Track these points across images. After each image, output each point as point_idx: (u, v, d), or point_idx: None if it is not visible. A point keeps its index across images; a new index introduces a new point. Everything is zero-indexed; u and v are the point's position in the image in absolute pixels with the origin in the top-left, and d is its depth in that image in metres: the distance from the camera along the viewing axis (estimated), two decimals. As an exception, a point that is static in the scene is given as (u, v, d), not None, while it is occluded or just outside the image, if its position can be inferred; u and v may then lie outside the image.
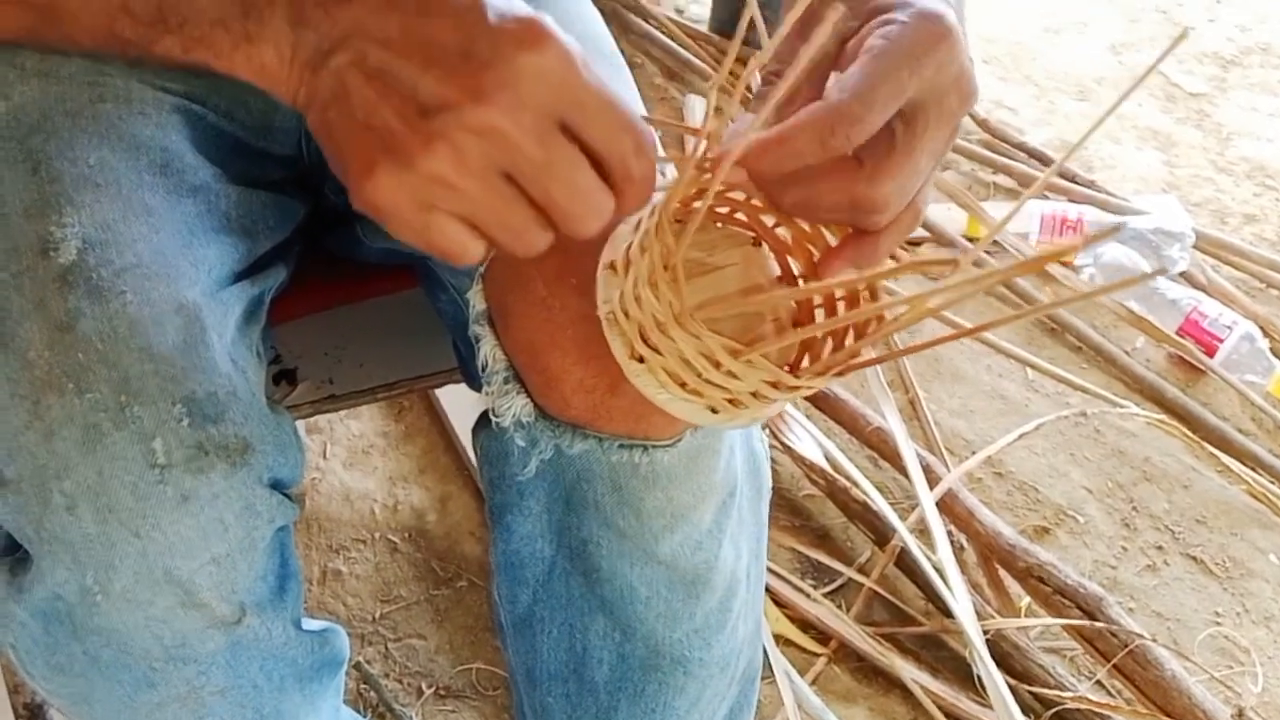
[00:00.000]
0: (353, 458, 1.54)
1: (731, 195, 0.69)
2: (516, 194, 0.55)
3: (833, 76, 0.61)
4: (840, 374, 0.62)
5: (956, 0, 0.63)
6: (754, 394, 0.63)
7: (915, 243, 2.01)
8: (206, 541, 0.68)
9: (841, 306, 0.67)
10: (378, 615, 1.38)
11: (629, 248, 0.64)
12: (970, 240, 2.00)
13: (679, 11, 2.62)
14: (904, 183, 0.59)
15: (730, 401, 0.64)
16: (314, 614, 1.33)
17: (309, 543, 1.43)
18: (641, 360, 0.64)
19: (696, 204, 0.62)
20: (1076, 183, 2.15)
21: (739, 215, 0.71)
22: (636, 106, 0.89)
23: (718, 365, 0.60)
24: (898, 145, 0.59)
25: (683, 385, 0.64)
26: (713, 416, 0.65)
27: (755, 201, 0.69)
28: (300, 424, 1.50)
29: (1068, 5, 2.85)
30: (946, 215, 2.03)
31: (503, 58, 0.53)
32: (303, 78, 0.57)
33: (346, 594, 1.39)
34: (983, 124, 2.31)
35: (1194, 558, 1.57)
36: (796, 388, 0.62)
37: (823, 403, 1.61)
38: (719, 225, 0.71)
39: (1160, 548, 1.58)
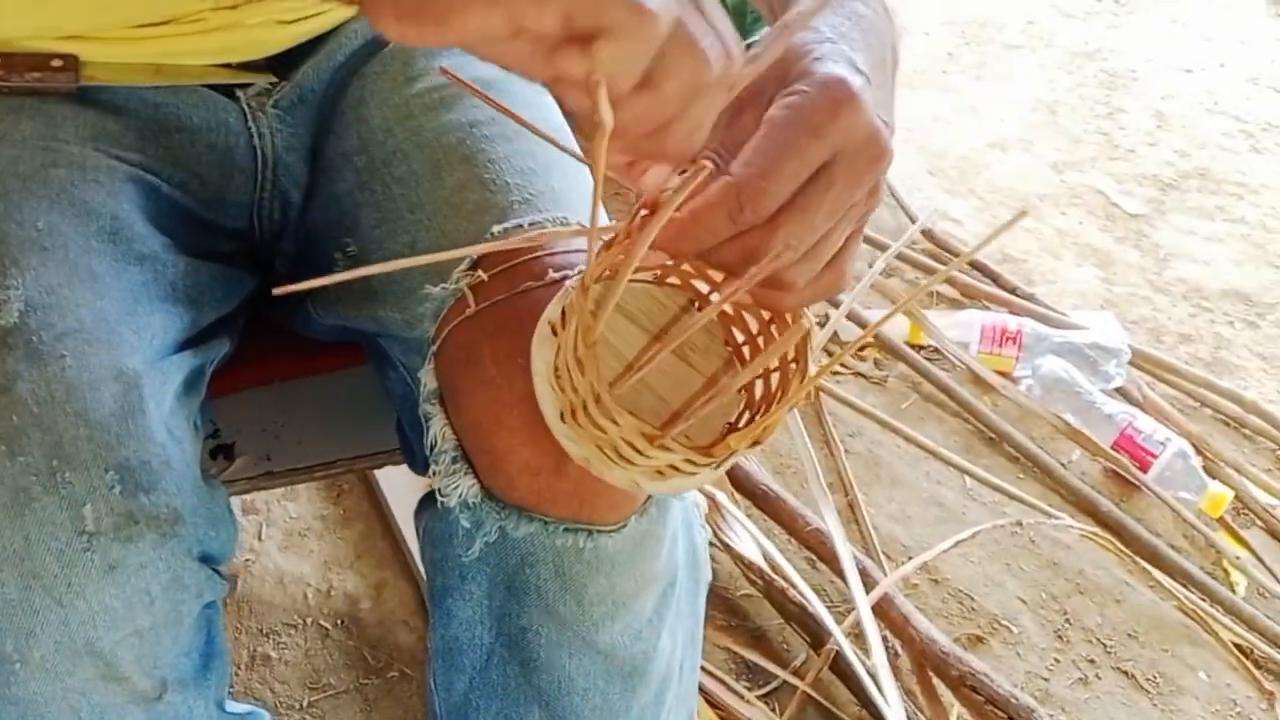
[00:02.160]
0: (288, 540, 1.52)
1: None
2: None
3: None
4: (758, 441, 0.63)
5: (877, 64, 0.64)
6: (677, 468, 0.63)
7: (860, 348, 2.04)
8: (131, 613, 0.67)
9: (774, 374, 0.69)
10: (305, 703, 1.35)
11: (560, 361, 0.65)
12: (913, 347, 2.03)
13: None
14: (795, 233, 0.59)
15: (659, 471, 0.64)
16: (240, 699, 1.30)
17: (239, 625, 1.41)
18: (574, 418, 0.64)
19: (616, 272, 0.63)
20: (1017, 295, 2.20)
21: (672, 279, 0.72)
22: (587, 186, 0.90)
23: (642, 445, 0.61)
24: (794, 199, 0.59)
25: (617, 453, 0.64)
26: (647, 482, 0.66)
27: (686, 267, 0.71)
28: (236, 503, 1.49)
29: (1014, 124, 2.93)
30: (890, 321, 2.06)
31: None
32: None
33: (274, 680, 1.36)
34: (927, 234, 2.35)
35: (1125, 672, 1.58)
36: (726, 456, 0.63)
37: (763, 502, 1.61)
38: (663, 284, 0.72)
39: (1092, 661, 1.58)
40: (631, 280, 0.70)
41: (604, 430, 0.61)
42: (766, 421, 0.63)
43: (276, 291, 0.59)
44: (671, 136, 0.55)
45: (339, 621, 1.44)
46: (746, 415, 0.70)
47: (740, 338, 0.72)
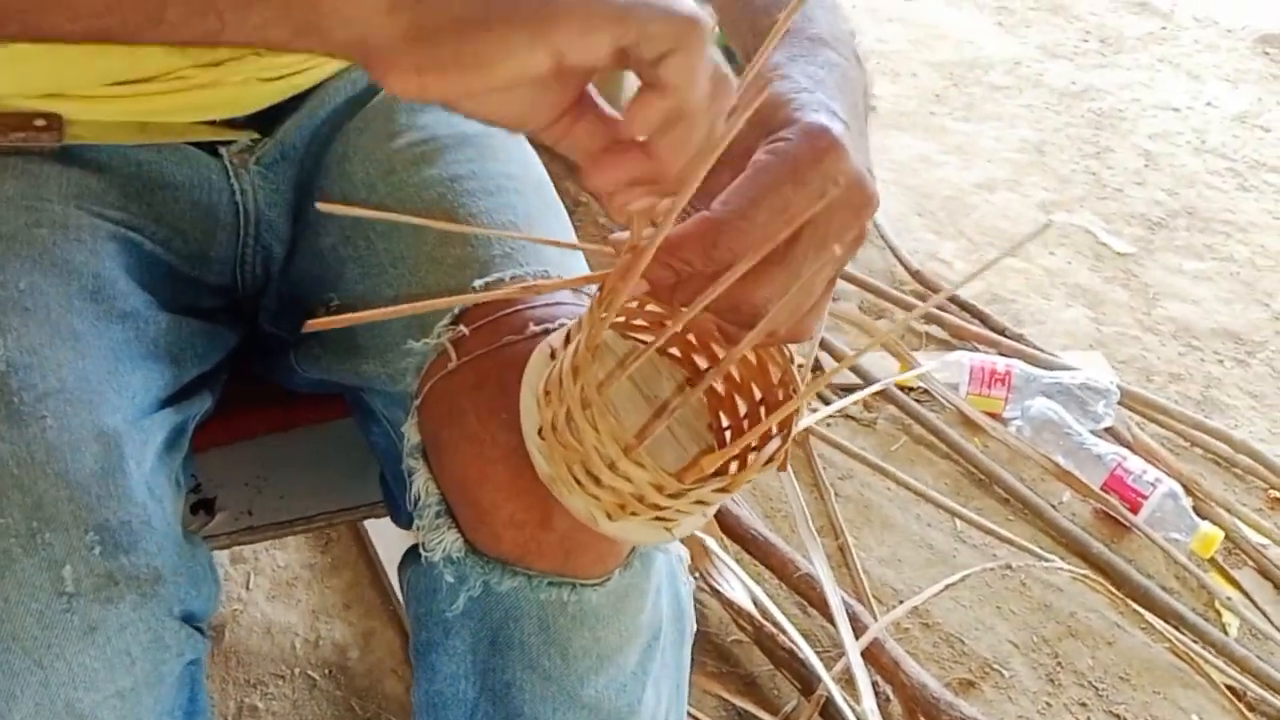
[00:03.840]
0: (276, 589, 1.51)
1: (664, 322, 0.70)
2: None
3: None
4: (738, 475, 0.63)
5: (853, 111, 0.64)
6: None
7: (848, 389, 2.04)
8: (111, 674, 0.67)
9: (763, 412, 0.69)
10: (292, 754, 1.34)
11: (554, 374, 0.65)
12: (904, 390, 2.03)
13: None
14: (782, 286, 0.60)
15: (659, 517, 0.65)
16: (226, 751, 1.29)
17: (225, 676, 1.40)
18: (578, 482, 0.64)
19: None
20: (1006, 336, 2.20)
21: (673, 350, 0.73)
22: (569, 237, 0.90)
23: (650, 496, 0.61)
24: (780, 252, 0.59)
25: (621, 508, 0.64)
26: (651, 532, 0.66)
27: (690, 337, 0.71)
28: (224, 553, 1.49)
29: (1001, 164, 2.95)
30: (880, 363, 2.07)
31: None
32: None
33: (261, 731, 1.36)
34: (916, 275, 2.36)
35: (1118, 716, 1.57)
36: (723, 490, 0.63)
37: (752, 547, 1.61)
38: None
39: (1084, 704, 1.58)
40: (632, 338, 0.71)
41: (605, 482, 0.61)
42: (744, 474, 0.63)
43: (309, 325, 0.58)
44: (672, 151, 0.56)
45: (327, 671, 1.43)
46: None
47: (725, 421, 0.73)
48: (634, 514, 0.63)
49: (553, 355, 0.67)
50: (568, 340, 0.65)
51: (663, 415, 0.69)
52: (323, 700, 1.40)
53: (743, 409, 0.72)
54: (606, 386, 0.63)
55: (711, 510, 0.68)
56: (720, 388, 0.72)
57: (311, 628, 1.48)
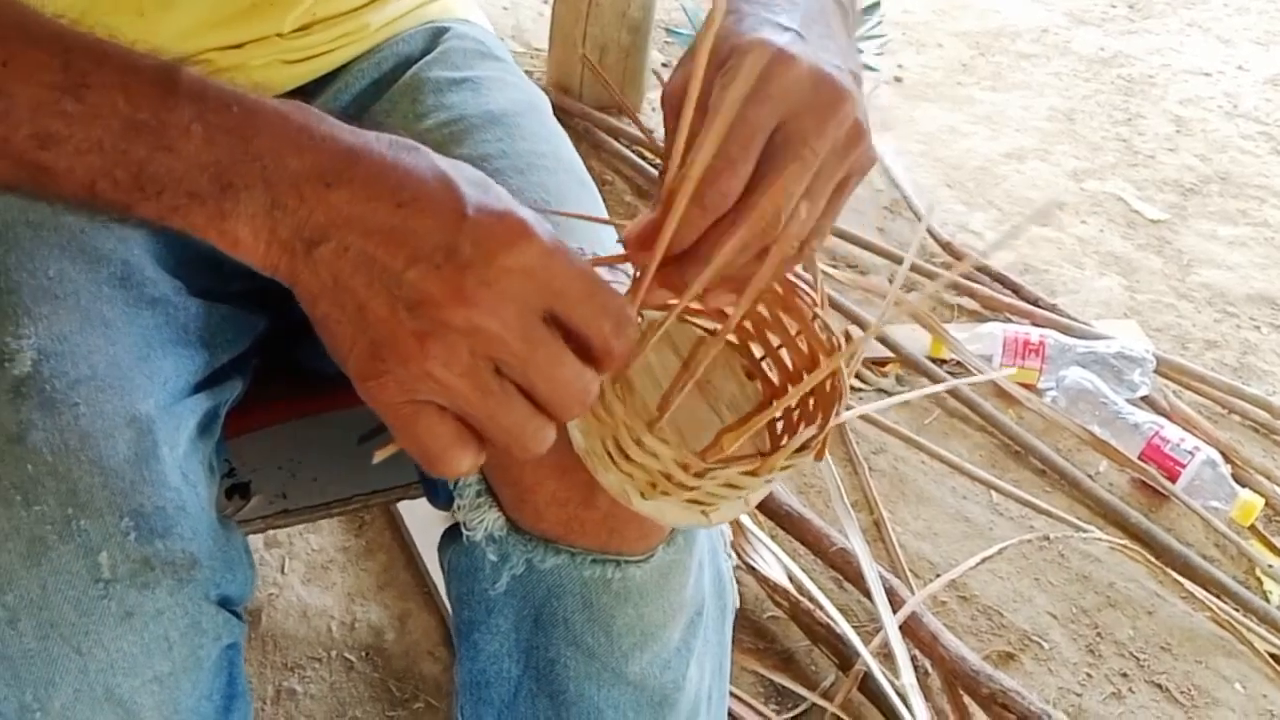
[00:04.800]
0: (311, 573, 1.51)
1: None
2: (510, 389, 0.55)
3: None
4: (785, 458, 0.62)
5: (810, 17, 0.63)
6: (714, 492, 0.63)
7: (881, 362, 2.03)
8: (150, 659, 0.67)
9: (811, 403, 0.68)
10: (331, 736, 1.35)
11: None
12: (935, 361, 2.02)
13: (649, 132, 2.66)
14: (772, 202, 0.58)
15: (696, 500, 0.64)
16: (265, 735, 1.30)
17: (263, 660, 1.40)
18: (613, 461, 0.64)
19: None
20: (1039, 306, 2.18)
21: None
22: (600, 214, 0.90)
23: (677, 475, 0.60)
24: (774, 164, 0.58)
25: (652, 486, 0.64)
26: (685, 513, 0.65)
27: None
28: (259, 538, 1.49)
29: (1031, 133, 2.92)
30: (911, 336, 2.05)
31: (484, 257, 0.52)
32: (280, 258, 0.55)
33: (300, 714, 1.36)
34: (946, 246, 2.34)
35: (1159, 685, 1.56)
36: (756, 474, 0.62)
37: (787, 523, 1.60)
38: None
39: (1125, 675, 1.57)
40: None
41: (639, 461, 0.61)
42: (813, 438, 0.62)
43: None
44: None
45: (364, 654, 1.43)
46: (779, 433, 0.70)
47: (759, 352, 0.72)
48: (665, 493, 0.63)
49: None
50: None
51: (686, 376, 0.67)
52: (360, 683, 1.40)
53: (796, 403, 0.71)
54: (634, 358, 0.62)
55: (754, 497, 0.67)
56: (775, 378, 0.71)
57: (347, 610, 1.48)
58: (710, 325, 0.72)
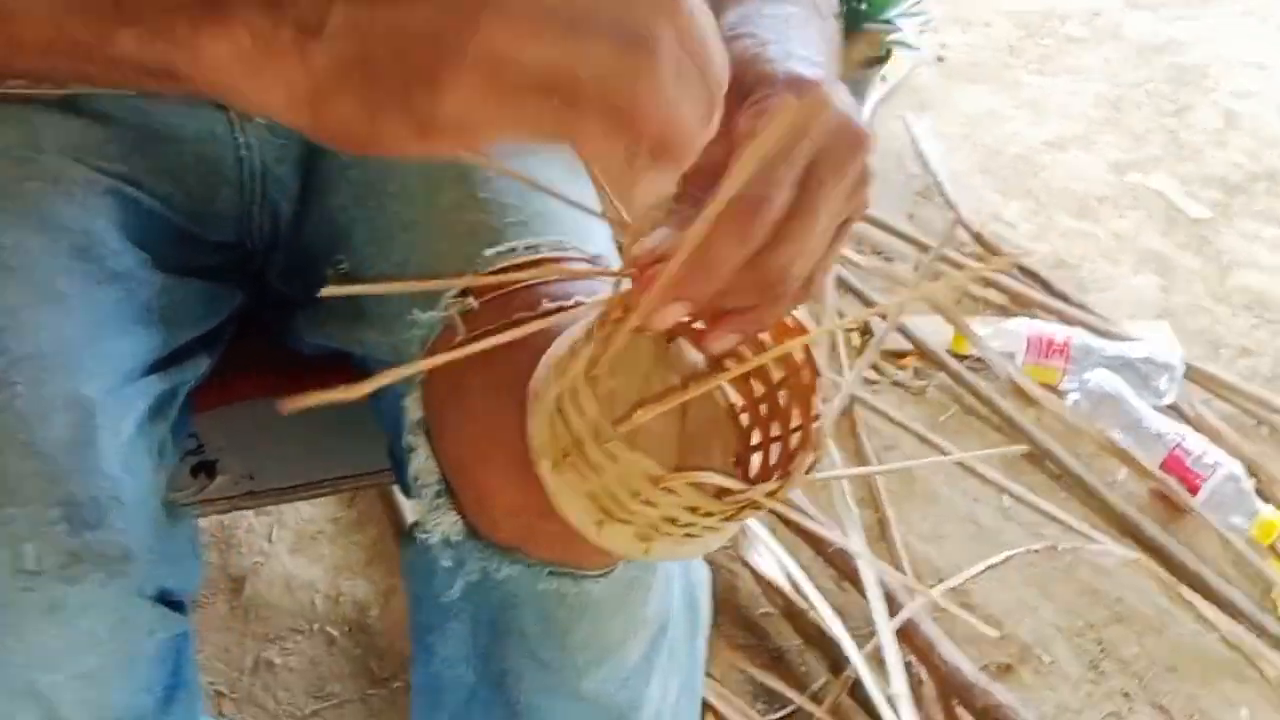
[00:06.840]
0: (299, 543, 1.49)
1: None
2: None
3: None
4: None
5: (823, 55, 0.63)
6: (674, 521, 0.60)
7: (900, 354, 1.98)
8: (74, 654, 0.65)
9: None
10: (308, 712, 1.32)
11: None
12: (956, 356, 1.97)
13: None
14: (806, 244, 0.57)
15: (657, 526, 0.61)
16: (242, 707, 1.28)
17: (244, 629, 1.38)
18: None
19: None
20: (1068, 303, 2.12)
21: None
22: (592, 203, 0.86)
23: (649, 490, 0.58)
24: (798, 208, 0.57)
25: (608, 513, 0.61)
26: (641, 546, 0.62)
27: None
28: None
29: (1075, 121, 2.84)
30: (932, 329, 2.00)
31: None
32: (293, 57, 0.48)
33: (278, 686, 1.34)
34: (977, 236, 2.28)
35: (1162, 708, 1.51)
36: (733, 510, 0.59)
37: (787, 518, 1.56)
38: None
39: (1127, 694, 1.52)
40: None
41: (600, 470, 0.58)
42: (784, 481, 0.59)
43: (324, 293, 0.57)
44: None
45: (346, 628, 1.41)
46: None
47: (740, 402, 0.69)
48: (622, 521, 0.59)
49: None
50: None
51: (651, 401, 0.64)
52: (341, 658, 1.38)
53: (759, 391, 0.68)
54: (592, 372, 0.59)
55: (713, 540, 0.64)
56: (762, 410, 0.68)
57: (333, 584, 1.45)
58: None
